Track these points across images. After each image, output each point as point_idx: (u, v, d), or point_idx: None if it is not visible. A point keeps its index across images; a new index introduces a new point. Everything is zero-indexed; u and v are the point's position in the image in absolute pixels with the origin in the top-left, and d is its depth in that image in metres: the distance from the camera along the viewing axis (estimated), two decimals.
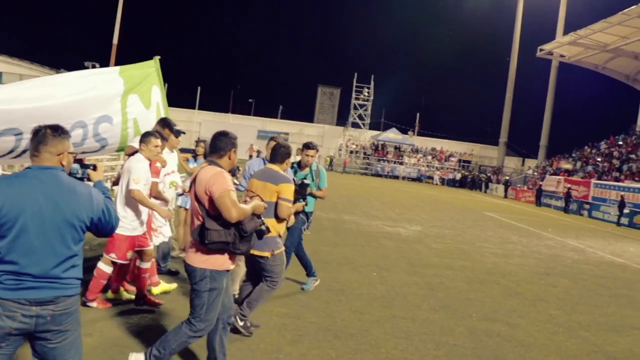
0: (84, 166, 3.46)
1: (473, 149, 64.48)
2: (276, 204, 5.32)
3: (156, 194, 6.19)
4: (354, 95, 62.48)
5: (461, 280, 9.78)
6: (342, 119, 69.06)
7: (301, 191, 5.82)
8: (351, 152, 60.59)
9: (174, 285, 6.81)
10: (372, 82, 62.16)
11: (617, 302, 9.61)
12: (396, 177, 56.74)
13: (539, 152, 56.79)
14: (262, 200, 4.52)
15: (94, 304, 5.78)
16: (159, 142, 5.86)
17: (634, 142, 45.35)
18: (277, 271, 5.44)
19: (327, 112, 76.65)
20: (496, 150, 61.78)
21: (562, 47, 48.93)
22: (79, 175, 3.40)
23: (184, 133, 7.27)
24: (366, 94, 61.87)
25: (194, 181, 4.15)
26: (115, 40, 69.20)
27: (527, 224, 23.21)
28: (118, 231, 5.24)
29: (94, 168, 3.49)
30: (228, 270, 4.24)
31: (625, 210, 29.80)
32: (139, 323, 5.63)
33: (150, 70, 8.17)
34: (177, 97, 66.80)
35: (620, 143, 46.51)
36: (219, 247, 4.00)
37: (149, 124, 7.72)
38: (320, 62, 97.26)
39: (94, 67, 69.96)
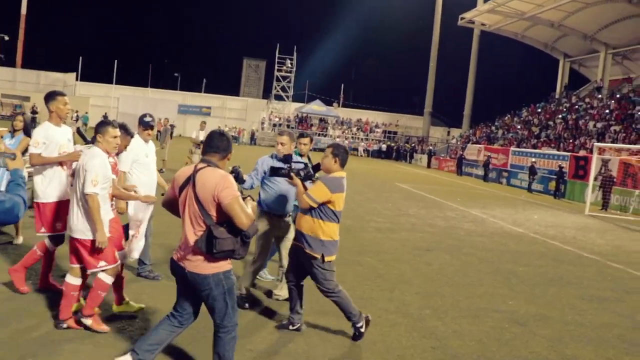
0: (3, 155, 3.39)
1: (399, 119, 64.02)
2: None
3: (118, 195, 5.36)
4: (276, 67, 60.66)
5: None
6: (268, 92, 67.14)
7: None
8: (274, 125, 58.94)
9: (139, 306, 5.65)
10: (295, 54, 60.51)
11: (493, 279, 8.62)
12: (321, 150, 55.52)
13: (463, 121, 56.81)
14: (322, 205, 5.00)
15: (88, 321, 4.90)
16: (117, 131, 5.10)
17: (552, 109, 45.68)
18: (325, 279, 5.17)
19: (253, 85, 74.77)
20: (422, 120, 61.44)
21: (482, 15, 48.70)
22: (1, 165, 3.38)
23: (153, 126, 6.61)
24: (289, 65, 60.14)
25: (192, 183, 3.81)
26: (23, 10, 65.30)
27: (437, 194, 22.43)
28: (91, 236, 4.85)
29: (14, 157, 3.40)
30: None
31: (536, 177, 29.65)
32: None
33: None
34: (94, 71, 63.51)
35: (539, 110, 46.78)
36: (225, 255, 3.79)
37: None
38: (246, 34, 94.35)
39: (2, 39, 65.95)
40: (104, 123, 5.05)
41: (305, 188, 5.16)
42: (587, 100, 43.26)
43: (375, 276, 8.03)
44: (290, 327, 5.43)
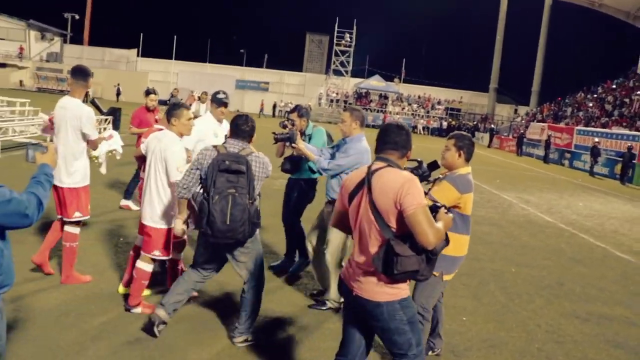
0: (34, 147, 3.27)
1: (462, 96, 60.63)
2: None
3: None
4: (335, 41, 58.77)
5: None
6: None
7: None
8: (331, 100, 57.20)
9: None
10: (355, 27, 58.31)
11: (462, 284, 6.74)
12: (374, 127, 53.46)
13: (531, 98, 53.20)
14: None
15: (138, 309, 4.90)
16: (191, 114, 4.98)
17: (631, 85, 41.61)
18: (431, 295, 4.35)
19: (316, 61, 72.99)
20: (487, 97, 58.07)
21: None
22: (30, 159, 3.20)
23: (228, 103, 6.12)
24: (348, 39, 58.04)
25: (367, 188, 3.12)
26: None
27: (477, 176, 20.09)
28: (159, 225, 4.84)
29: (45, 150, 3.07)
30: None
31: (599, 159, 26.68)
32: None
33: None
34: (155, 47, 63.68)
35: (614, 87, 42.77)
36: (406, 277, 3.06)
37: None
38: (309, 9, 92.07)
39: (73, 18, 67.59)
40: (178, 106, 4.93)
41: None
42: None
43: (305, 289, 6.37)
44: (430, 353, 4.68)
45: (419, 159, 4.10)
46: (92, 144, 5.38)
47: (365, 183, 3.16)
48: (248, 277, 4.41)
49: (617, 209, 15.78)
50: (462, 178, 4.24)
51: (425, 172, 4.03)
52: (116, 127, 20.72)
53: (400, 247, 2.97)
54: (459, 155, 4.27)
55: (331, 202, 5.38)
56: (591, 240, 10.73)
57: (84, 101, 5.42)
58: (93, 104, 21.59)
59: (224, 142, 4.37)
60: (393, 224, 3.06)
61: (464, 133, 4.49)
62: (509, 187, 17.71)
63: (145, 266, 4.90)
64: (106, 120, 19.24)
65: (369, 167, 3.22)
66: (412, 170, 3.96)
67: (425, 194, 4.01)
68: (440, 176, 4.31)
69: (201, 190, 4.12)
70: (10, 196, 2.59)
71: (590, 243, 10.45)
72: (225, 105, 6.00)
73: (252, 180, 4.11)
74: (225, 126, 6.00)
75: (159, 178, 4.80)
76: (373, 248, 3.10)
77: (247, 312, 4.45)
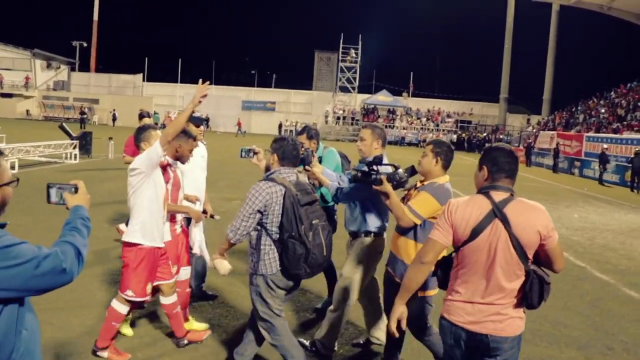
0: (60, 187, 2.52)
1: (473, 107, 59.31)
2: None
3: (169, 209, 4.74)
4: (340, 57, 58.06)
5: None
6: None
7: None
8: (338, 118, 56.27)
9: (203, 326, 5.11)
10: (360, 43, 57.59)
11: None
12: (389, 143, 52.37)
13: (543, 106, 51.71)
14: None
15: (104, 354, 4.42)
16: (159, 132, 4.52)
17: None
18: (421, 313, 4.19)
19: (326, 79, 72.30)
20: (498, 108, 56.68)
21: None
22: (54, 200, 2.52)
23: (206, 120, 4.57)
24: (353, 55, 57.33)
25: (503, 223, 2.89)
26: (95, 17, 66.76)
27: (469, 191, 18.95)
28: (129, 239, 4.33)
29: (75, 190, 2.52)
30: None
31: (608, 166, 25.20)
32: None
33: None
34: (160, 71, 63.88)
35: (625, 91, 41.14)
36: None
37: None
38: (318, 27, 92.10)
39: (81, 46, 68.18)
40: (144, 128, 4.50)
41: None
42: None
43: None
44: None
45: (395, 164, 4.01)
46: None
47: (495, 216, 2.93)
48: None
49: (616, 220, 14.44)
50: (442, 188, 4.05)
51: (402, 179, 3.94)
52: (87, 151, 20.07)
53: (547, 276, 2.98)
54: (436, 162, 4.05)
55: (351, 234, 4.73)
56: (571, 258, 9.50)
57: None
58: (62, 129, 21.06)
59: (277, 172, 3.95)
60: (530, 255, 2.98)
61: (443, 140, 4.39)
62: None
63: (118, 306, 4.40)
64: (72, 145, 18.58)
65: (489, 197, 2.96)
66: (389, 176, 3.91)
67: (403, 199, 4.03)
68: (418, 184, 4.12)
69: (269, 231, 3.82)
70: (35, 254, 2.06)
71: (568, 262, 9.21)
72: (204, 123, 5.47)
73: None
74: (200, 149, 5.39)
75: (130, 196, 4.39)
76: (511, 283, 2.95)
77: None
